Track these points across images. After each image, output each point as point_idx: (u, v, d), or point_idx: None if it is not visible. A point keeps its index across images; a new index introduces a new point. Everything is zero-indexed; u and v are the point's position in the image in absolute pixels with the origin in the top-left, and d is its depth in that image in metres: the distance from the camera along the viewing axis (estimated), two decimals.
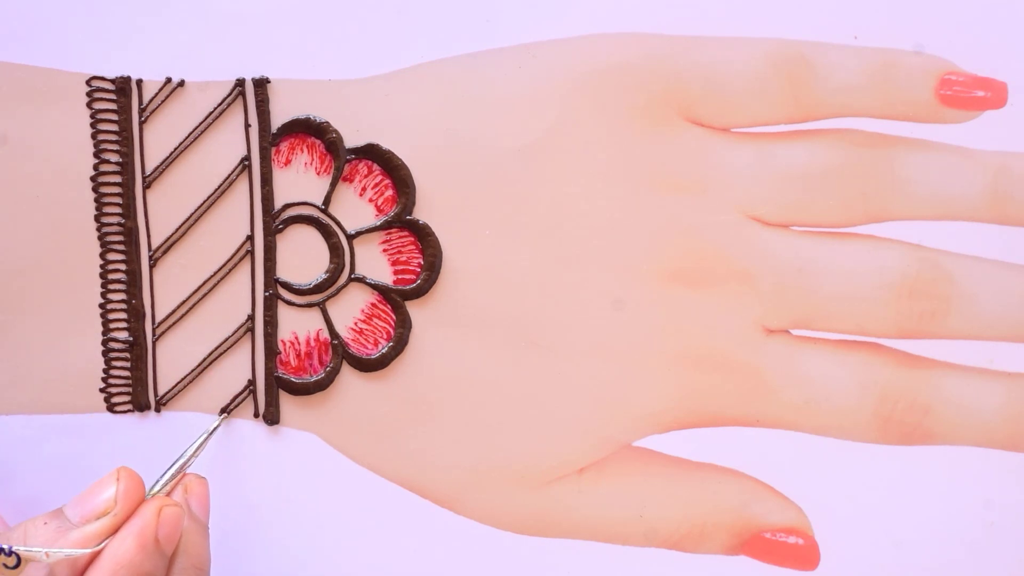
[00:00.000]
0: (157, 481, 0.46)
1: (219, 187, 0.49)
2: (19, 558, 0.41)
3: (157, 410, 0.50)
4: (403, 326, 0.50)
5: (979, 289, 0.49)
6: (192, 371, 0.50)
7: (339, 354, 0.50)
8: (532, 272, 0.49)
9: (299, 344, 0.50)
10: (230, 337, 0.50)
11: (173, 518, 0.43)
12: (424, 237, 0.49)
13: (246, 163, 0.49)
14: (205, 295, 0.50)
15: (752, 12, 0.48)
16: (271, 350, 0.50)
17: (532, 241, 0.49)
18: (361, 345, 0.50)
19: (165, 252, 0.50)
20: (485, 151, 0.49)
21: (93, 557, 0.42)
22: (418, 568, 0.51)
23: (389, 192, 0.49)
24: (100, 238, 0.50)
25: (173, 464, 0.46)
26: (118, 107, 0.49)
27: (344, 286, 0.50)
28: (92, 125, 0.49)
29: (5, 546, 0.41)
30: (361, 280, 0.50)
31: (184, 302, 0.50)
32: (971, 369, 0.49)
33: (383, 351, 0.50)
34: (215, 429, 0.49)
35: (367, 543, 0.51)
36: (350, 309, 0.50)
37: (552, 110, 0.48)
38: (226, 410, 0.50)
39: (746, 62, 0.48)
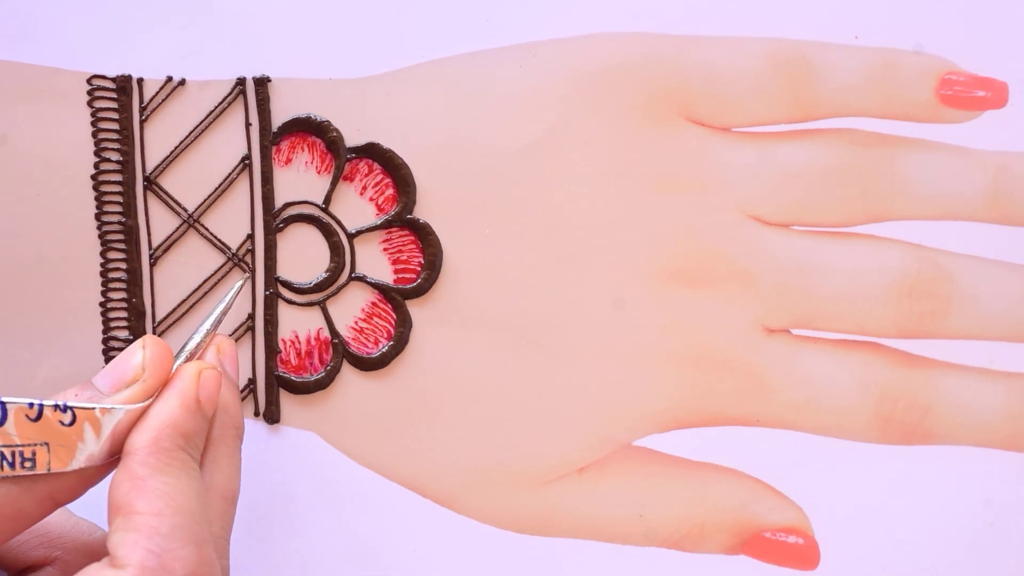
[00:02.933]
0: (186, 344, 0.45)
1: (220, 186, 0.49)
2: (74, 414, 0.41)
3: None
4: (403, 325, 0.50)
5: (979, 289, 0.49)
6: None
7: (339, 353, 0.50)
8: (532, 271, 0.49)
9: (299, 343, 0.50)
10: (230, 336, 0.50)
11: (213, 380, 0.44)
12: (425, 236, 0.49)
13: (247, 162, 0.49)
14: (205, 294, 0.50)
15: (752, 12, 0.48)
16: (271, 349, 0.50)
17: (532, 240, 0.49)
18: (361, 344, 0.50)
19: (166, 251, 0.50)
20: (486, 150, 0.49)
21: (136, 419, 0.42)
22: (418, 567, 0.51)
23: (390, 191, 0.49)
24: (100, 237, 0.50)
25: (201, 326, 0.46)
26: (119, 106, 0.49)
27: (344, 285, 0.50)
28: (93, 124, 0.49)
29: (60, 402, 0.41)
30: (361, 279, 0.50)
31: (184, 301, 0.50)
32: (971, 369, 0.49)
33: (383, 350, 0.50)
34: (241, 287, 0.48)
35: (367, 542, 0.51)
36: (350, 308, 0.50)
37: (552, 110, 0.49)
38: (250, 269, 0.49)
39: (746, 62, 0.48)
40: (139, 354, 0.43)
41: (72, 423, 0.41)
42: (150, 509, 0.40)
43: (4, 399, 0.41)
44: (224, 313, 0.46)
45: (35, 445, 0.41)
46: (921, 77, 0.48)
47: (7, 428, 0.40)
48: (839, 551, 0.50)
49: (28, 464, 0.41)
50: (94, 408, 0.42)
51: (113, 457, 0.42)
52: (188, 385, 0.43)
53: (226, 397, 0.45)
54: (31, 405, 0.41)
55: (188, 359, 0.45)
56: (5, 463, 0.40)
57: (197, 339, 0.45)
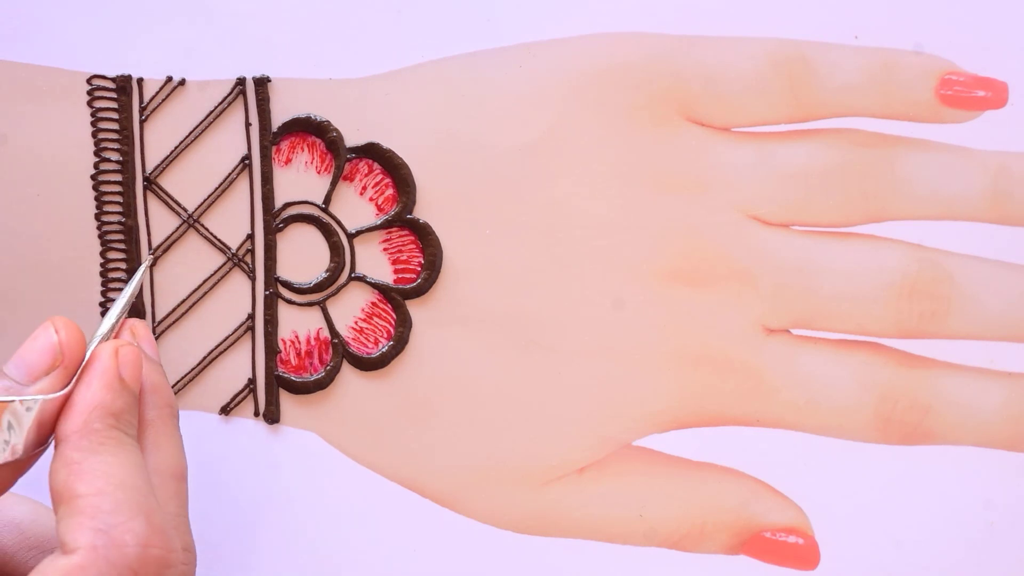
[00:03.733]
0: (99, 329, 0.45)
1: (220, 186, 0.49)
2: None
3: None
4: (403, 325, 0.50)
5: (979, 289, 0.49)
6: (192, 370, 0.50)
7: (339, 353, 0.50)
8: (532, 271, 0.49)
9: (299, 343, 0.50)
10: (230, 336, 0.50)
11: (131, 355, 0.43)
12: (424, 236, 0.49)
13: (247, 162, 0.49)
14: (205, 294, 0.50)
15: (752, 12, 0.48)
16: (271, 349, 0.50)
17: (532, 240, 0.49)
18: (361, 344, 0.50)
19: (165, 251, 0.50)
20: (486, 150, 0.49)
21: (60, 406, 0.41)
22: (418, 567, 0.51)
23: (389, 191, 0.49)
24: (100, 237, 0.50)
25: (112, 309, 0.45)
26: (119, 106, 0.49)
27: (344, 285, 0.50)
28: (93, 124, 0.49)
29: None
30: (361, 279, 0.50)
31: (184, 301, 0.50)
32: (971, 369, 0.49)
33: (383, 350, 0.50)
34: (146, 269, 0.48)
35: (367, 542, 0.51)
36: (350, 308, 0.50)
37: (552, 110, 0.49)
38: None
39: (747, 62, 0.48)
40: (52, 337, 0.42)
41: None
42: (90, 490, 0.39)
43: None
44: (132, 296, 0.46)
45: None
46: (921, 77, 0.48)
47: None
48: (839, 551, 0.50)
49: None
50: (14, 400, 0.41)
51: (41, 447, 0.42)
52: (108, 364, 0.42)
53: (153, 378, 0.44)
54: None
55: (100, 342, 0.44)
56: None
57: (108, 323, 0.45)
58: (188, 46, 0.49)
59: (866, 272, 0.49)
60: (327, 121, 0.49)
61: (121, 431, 0.42)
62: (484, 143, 0.49)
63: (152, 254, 0.49)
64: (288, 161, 0.49)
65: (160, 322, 0.50)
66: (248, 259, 0.50)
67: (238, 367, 0.50)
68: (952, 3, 0.48)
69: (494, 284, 0.49)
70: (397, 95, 0.49)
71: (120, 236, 0.50)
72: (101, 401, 0.41)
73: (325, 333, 0.50)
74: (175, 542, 0.40)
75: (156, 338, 0.50)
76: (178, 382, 0.50)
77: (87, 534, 0.39)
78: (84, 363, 0.43)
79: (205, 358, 0.50)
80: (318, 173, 0.49)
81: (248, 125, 0.49)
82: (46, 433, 0.42)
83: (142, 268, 0.48)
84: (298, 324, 0.50)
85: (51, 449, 0.42)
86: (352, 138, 0.49)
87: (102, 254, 0.50)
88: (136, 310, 0.50)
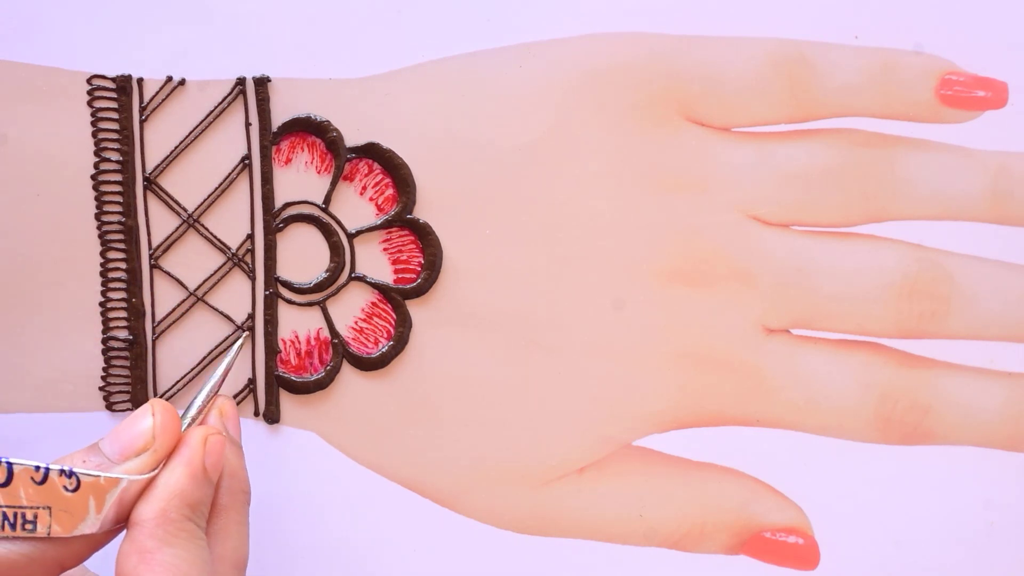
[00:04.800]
0: (190, 407, 0.46)
1: (220, 186, 0.49)
2: (79, 481, 0.41)
3: None
4: (403, 325, 0.50)
5: (979, 289, 0.49)
6: (192, 370, 0.50)
7: (339, 353, 0.50)
8: (532, 271, 0.49)
9: (299, 343, 0.50)
10: (230, 336, 0.50)
11: (218, 446, 0.44)
12: (424, 236, 0.49)
13: (247, 162, 0.49)
14: (205, 294, 0.50)
15: (752, 12, 0.48)
16: (271, 349, 0.50)
17: (532, 240, 0.49)
18: (361, 344, 0.50)
19: (165, 251, 0.50)
20: (486, 150, 0.49)
21: (143, 487, 0.42)
22: (418, 567, 0.51)
23: (389, 191, 0.49)
24: (100, 236, 0.50)
25: (203, 388, 0.46)
26: (119, 106, 0.49)
27: (344, 285, 0.50)
28: (93, 124, 0.49)
29: (66, 467, 0.41)
30: (361, 279, 0.50)
31: (184, 301, 0.50)
32: (971, 369, 0.49)
33: (383, 350, 0.50)
34: (241, 347, 0.49)
35: (367, 542, 0.51)
36: (350, 308, 0.50)
37: (552, 109, 0.49)
38: (249, 328, 0.49)
39: (747, 62, 0.48)
40: (148, 420, 0.43)
41: (76, 489, 0.41)
42: None
43: (11, 460, 0.40)
44: (225, 374, 0.47)
45: (38, 508, 0.41)
46: (921, 77, 0.48)
47: (11, 489, 0.40)
48: (839, 551, 0.50)
49: (29, 527, 0.41)
50: (100, 476, 0.42)
51: (118, 524, 0.42)
52: (195, 453, 0.43)
53: (233, 462, 0.45)
54: (37, 468, 0.41)
55: (191, 423, 0.45)
56: (7, 524, 0.40)
57: (199, 402, 0.46)
58: (188, 46, 0.49)
59: (866, 272, 0.49)
60: (327, 121, 0.49)
61: (195, 523, 0.42)
62: (484, 143, 0.49)
63: (246, 330, 0.50)
64: (288, 161, 0.49)
65: (160, 322, 0.50)
66: (248, 259, 0.50)
67: (238, 367, 0.50)
68: (952, 3, 0.48)
69: (494, 284, 0.49)
70: (397, 95, 0.49)
71: (120, 236, 0.50)
72: (182, 491, 0.42)
73: (325, 333, 0.50)
74: None
75: (156, 338, 0.50)
76: (178, 382, 0.50)
77: None
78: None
79: (205, 358, 0.50)
80: (318, 173, 0.49)
81: (248, 125, 0.49)
82: (125, 514, 0.42)
83: (236, 345, 0.48)
84: (298, 324, 0.50)
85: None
86: (352, 138, 0.49)
87: (102, 254, 0.50)
88: (137, 310, 0.50)
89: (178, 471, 0.43)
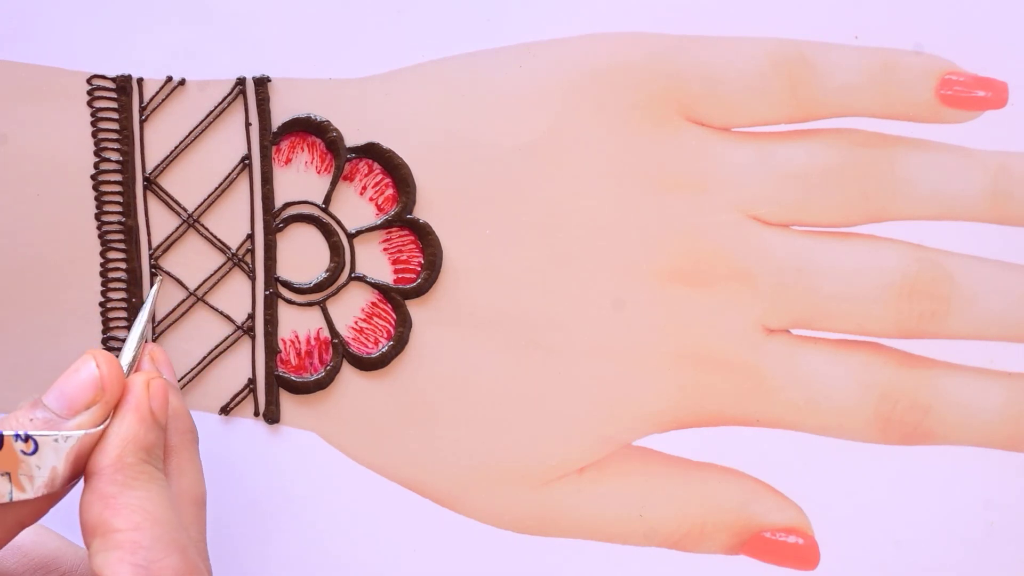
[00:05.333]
0: (121, 356, 0.46)
1: (219, 186, 0.49)
2: (36, 443, 0.41)
3: None
4: (403, 325, 0.50)
5: (979, 289, 0.49)
6: (192, 370, 0.50)
7: (339, 353, 0.50)
8: (532, 271, 0.49)
9: (299, 343, 0.50)
10: (230, 336, 0.50)
11: (161, 389, 0.44)
12: (424, 236, 0.49)
13: (247, 162, 0.49)
14: (205, 294, 0.50)
15: (752, 12, 0.48)
16: (271, 349, 0.50)
17: (532, 240, 0.49)
18: (361, 344, 0.50)
19: (166, 251, 0.50)
20: (486, 150, 0.49)
21: (97, 439, 0.42)
22: (418, 567, 0.51)
23: (389, 191, 0.49)
24: (100, 237, 0.50)
25: (131, 336, 0.46)
26: (119, 106, 0.49)
27: (344, 285, 0.50)
28: (93, 124, 0.49)
29: (22, 432, 0.41)
30: (361, 279, 0.50)
31: (184, 301, 0.50)
32: (971, 369, 0.49)
33: (383, 350, 0.50)
34: (158, 290, 0.49)
35: (367, 542, 0.51)
36: (350, 308, 0.50)
37: (552, 109, 0.49)
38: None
39: (747, 62, 0.48)
40: (93, 371, 0.43)
41: (34, 452, 0.41)
42: (127, 524, 0.40)
43: None
44: (149, 320, 0.47)
45: None
46: (921, 77, 0.48)
47: None
48: (839, 551, 0.50)
49: None
50: (56, 436, 0.42)
51: (74, 479, 0.42)
52: (141, 398, 0.43)
53: (175, 404, 0.45)
54: None
55: (126, 371, 0.45)
56: None
57: (131, 351, 0.46)
58: (188, 46, 0.49)
59: (866, 272, 0.49)
60: (327, 121, 0.49)
61: (152, 465, 0.43)
62: (484, 143, 0.49)
63: (158, 276, 0.50)
64: (288, 161, 0.49)
65: (160, 322, 0.50)
66: (248, 259, 0.50)
67: (238, 367, 0.50)
68: (952, 3, 0.48)
69: (494, 284, 0.49)
70: (397, 95, 0.49)
71: (120, 236, 0.50)
72: (135, 435, 0.43)
73: (325, 333, 0.50)
74: (204, 573, 0.42)
75: (155, 338, 0.50)
76: (178, 382, 0.50)
77: (127, 568, 0.40)
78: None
79: (205, 358, 0.50)
80: (318, 173, 0.49)
81: (248, 125, 0.49)
82: (81, 467, 0.42)
83: (154, 289, 0.49)
84: (298, 324, 0.50)
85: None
86: (352, 138, 0.49)
87: (102, 254, 0.50)
88: (136, 308, 0.50)
89: (128, 417, 0.43)
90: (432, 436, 0.50)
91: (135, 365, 0.46)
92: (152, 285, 0.49)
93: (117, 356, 0.45)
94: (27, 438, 0.41)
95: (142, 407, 0.43)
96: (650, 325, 0.49)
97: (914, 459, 0.50)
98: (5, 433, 0.41)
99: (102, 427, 0.43)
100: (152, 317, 0.50)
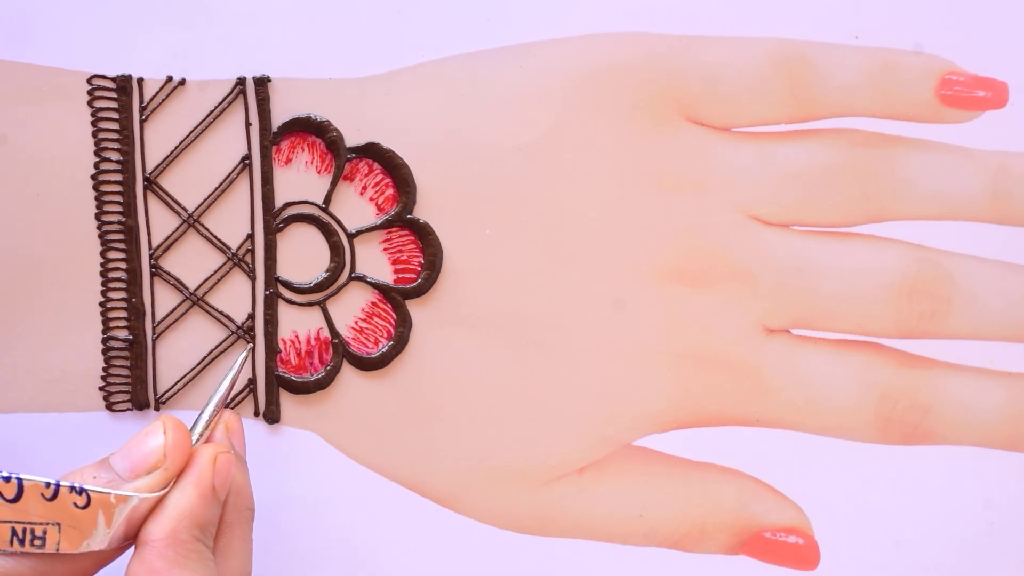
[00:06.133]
0: (197, 422, 0.45)
1: (220, 186, 0.49)
2: (89, 498, 0.41)
3: (157, 409, 0.50)
4: (403, 325, 0.50)
5: (979, 289, 0.49)
6: (192, 370, 0.50)
7: (339, 353, 0.50)
8: (532, 271, 0.49)
9: (299, 343, 0.50)
10: (230, 336, 0.50)
11: (227, 465, 0.44)
12: (425, 236, 0.49)
13: (247, 162, 0.49)
14: (205, 294, 0.50)
15: (753, 12, 0.48)
16: (271, 349, 0.50)
17: (532, 240, 0.49)
18: (361, 344, 0.50)
19: (165, 251, 0.50)
20: (486, 150, 0.49)
21: (154, 504, 0.42)
22: (418, 567, 0.51)
23: (390, 191, 0.49)
24: (100, 236, 0.50)
25: (209, 402, 0.46)
26: (119, 106, 0.49)
27: (344, 285, 0.50)
28: (93, 124, 0.49)
29: (77, 484, 0.41)
30: (362, 279, 0.50)
31: (184, 302, 0.50)
32: (971, 369, 0.49)
33: (383, 350, 0.50)
34: (245, 360, 0.48)
35: (367, 542, 0.51)
36: (351, 308, 0.50)
37: (553, 109, 0.49)
38: (251, 339, 0.49)
39: (747, 62, 0.48)
40: (159, 437, 0.43)
41: (87, 506, 0.41)
42: None
43: (21, 476, 0.40)
44: (231, 387, 0.47)
45: (47, 524, 0.40)
46: (921, 77, 0.48)
47: (21, 505, 0.40)
48: (839, 551, 0.50)
49: (38, 543, 0.40)
50: (110, 493, 0.41)
51: (126, 542, 0.42)
52: (205, 472, 0.43)
53: (238, 479, 0.45)
54: (47, 484, 0.41)
55: (198, 438, 0.45)
56: (15, 539, 0.40)
57: (207, 417, 0.46)
58: (188, 46, 0.49)
59: (866, 272, 0.49)
60: (327, 121, 0.49)
61: (203, 543, 0.42)
62: (484, 143, 0.49)
63: (250, 342, 0.49)
64: (288, 161, 0.49)
65: (160, 322, 0.50)
66: (248, 259, 0.50)
67: None
68: (952, 3, 0.48)
69: (494, 284, 0.49)
70: (397, 95, 0.49)
71: (120, 236, 0.50)
72: (192, 510, 0.42)
73: (325, 333, 0.50)
74: None
75: (156, 338, 0.50)
76: (177, 382, 0.50)
77: None
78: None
79: (205, 358, 0.50)
80: (318, 173, 0.49)
81: (248, 125, 0.49)
82: (133, 532, 0.42)
83: (242, 356, 0.48)
84: (298, 324, 0.50)
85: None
86: (352, 138, 0.49)
87: (102, 254, 0.50)
88: (137, 310, 0.50)
89: (189, 490, 0.43)
90: (432, 436, 0.50)
91: (209, 431, 0.46)
92: (242, 353, 0.49)
93: (197, 422, 0.45)
94: (81, 491, 0.41)
95: (204, 482, 0.43)
96: (650, 325, 0.49)
97: (914, 459, 0.50)
98: (61, 484, 0.41)
99: (158, 494, 0.42)
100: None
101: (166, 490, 0.42)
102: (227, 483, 0.44)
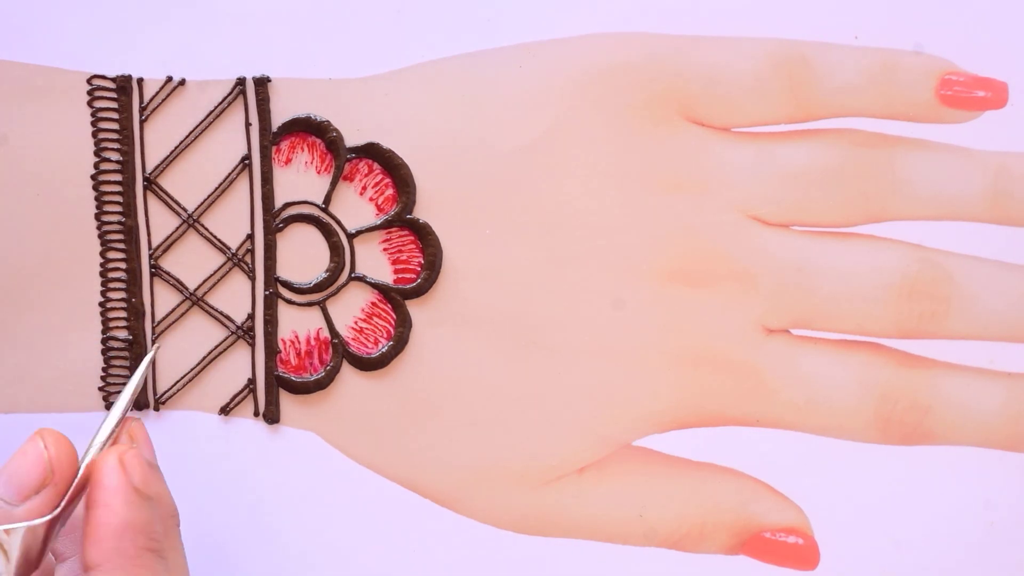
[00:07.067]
0: (97, 432, 0.43)
1: (219, 186, 0.49)
2: None
3: (156, 409, 0.50)
4: (403, 325, 0.50)
5: (979, 289, 0.49)
6: (192, 370, 0.50)
7: (339, 353, 0.50)
8: (532, 271, 0.49)
9: (299, 343, 0.50)
10: (230, 336, 0.50)
11: (137, 459, 0.41)
12: (424, 236, 0.49)
13: (247, 162, 0.49)
14: (205, 294, 0.50)
15: (753, 12, 0.48)
16: (271, 349, 0.50)
17: (532, 240, 0.49)
18: (361, 344, 0.50)
19: (165, 251, 0.50)
20: (486, 150, 0.49)
21: (51, 525, 0.39)
22: (418, 567, 0.51)
23: (389, 191, 0.49)
24: (100, 236, 0.50)
25: (111, 412, 0.43)
26: (119, 106, 0.49)
27: (344, 285, 0.50)
28: (93, 124, 0.49)
29: None
30: (361, 279, 0.50)
31: (184, 301, 0.50)
32: (971, 369, 0.49)
33: (383, 350, 0.50)
34: (150, 361, 0.46)
35: (367, 542, 0.51)
36: (350, 308, 0.50)
37: (552, 109, 0.49)
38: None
39: (747, 62, 0.48)
40: (40, 453, 0.40)
41: None
42: None
43: None
44: (134, 396, 0.44)
45: None
46: (921, 77, 0.48)
47: None
48: (839, 551, 0.50)
49: None
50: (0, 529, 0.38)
51: (33, 570, 0.39)
52: (120, 478, 0.40)
53: (157, 487, 0.41)
54: None
55: (101, 448, 0.42)
56: None
57: (109, 426, 0.43)
58: (188, 46, 0.49)
59: (866, 272, 0.49)
60: (327, 121, 0.49)
61: (151, 550, 0.40)
62: (484, 143, 0.49)
63: (156, 343, 0.49)
64: (288, 161, 0.49)
65: (160, 322, 0.50)
66: (248, 259, 0.50)
67: (238, 367, 0.50)
68: (952, 3, 0.48)
69: (494, 284, 0.49)
70: (398, 94, 0.49)
71: (120, 236, 0.50)
72: (126, 520, 0.39)
73: (325, 333, 0.50)
74: None
75: (155, 338, 0.50)
76: (178, 382, 0.50)
77: None
78: (78, 477, 0.40)
79: (205, 358, 0.50)
80: (318, 173, 0.49)
81: (248, 125, 0.49)
82: (36, 556, 0.39)
83: (144, 363, 0.46)
84: (298, 324, 0.50)
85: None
86: (352, 138, 0.49)
87: (102, 254, 0.50)
88: (137, 310, 0.50)
89: (114, 502, 0.40)
90: (432, 436, 0.50)
91: (113, 440, 0.43)
92: (147, 355, 0.47)
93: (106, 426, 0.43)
94: None
95: (124, 487, 0.40)
96: (650, 325, 0.49)
97: (914, 459, 0.50)
98: None
99: (50, 517, 0.39)
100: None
101: (59, 508, 0.40)
102: (147, 476, 0.40)
